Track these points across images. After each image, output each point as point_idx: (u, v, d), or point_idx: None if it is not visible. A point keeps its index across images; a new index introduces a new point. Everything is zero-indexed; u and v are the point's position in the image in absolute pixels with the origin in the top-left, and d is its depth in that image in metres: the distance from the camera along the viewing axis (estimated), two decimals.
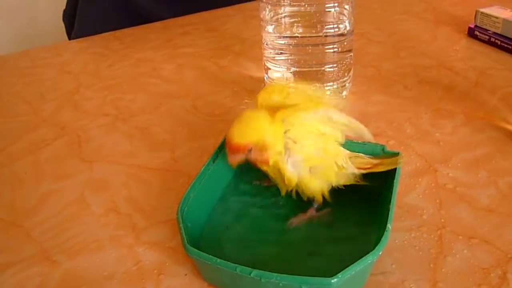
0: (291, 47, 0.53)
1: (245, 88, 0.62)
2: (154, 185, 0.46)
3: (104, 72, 0.70)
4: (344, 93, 0.55)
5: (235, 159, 0.36)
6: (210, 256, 0.32)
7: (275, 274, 0.30)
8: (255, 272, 0.30)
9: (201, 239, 0.37)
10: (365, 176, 0.39)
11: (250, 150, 0.35)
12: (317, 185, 0.37)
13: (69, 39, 0.92)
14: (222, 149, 0.41)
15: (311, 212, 0.39)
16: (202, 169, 0.40)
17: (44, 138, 0.55)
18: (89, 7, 0.87)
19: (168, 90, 0.64)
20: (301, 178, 0.37)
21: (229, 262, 0.31)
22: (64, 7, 0.93)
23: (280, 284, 0.30)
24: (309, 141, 0.37)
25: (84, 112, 0.60)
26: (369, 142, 0.41)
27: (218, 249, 0.36)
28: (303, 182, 0.37)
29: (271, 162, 0.36)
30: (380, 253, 0.31)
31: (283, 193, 0.39)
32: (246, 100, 0.59)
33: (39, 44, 0.87)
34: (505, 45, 0.66)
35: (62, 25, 0.95)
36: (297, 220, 0.39)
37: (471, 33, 0.72)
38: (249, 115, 0.37)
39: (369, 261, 0.30)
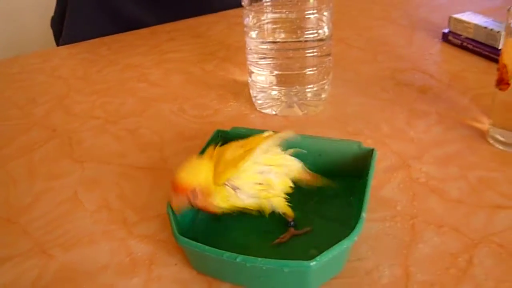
0: (273, 51, 0.55)
1: (230, 91, 0.64)
2: (144, 183, 0.48)
3: (93, 77, 0.72)
4: (323, 95, 0.58)
5: (179, 200, 0.37)
6: (199, 244, 0.34)
7: (259, 259, 0.32)
8: (240, 257, 0.33)
9: (190, 231, 0.39)
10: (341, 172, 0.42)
11: (194, 194, 0.37)
12: (277, 203, 0.39)
13: (57, 45, 0.93)
14: (210, 145, 0.43)
15: (291, 231, 0.40)
16: None
17: (36, 140, 0.56)
18: (77, 14, 0.89)
19: (156, 94, 0.66)
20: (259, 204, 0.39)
21: (216, 249, 0.33)
22: (52, 14, 0.95)
23: (264, 268, 0.32)
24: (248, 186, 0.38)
25: (74, 115, 0.62)
26: (344, 139, 0.44)
27: (206, 240, 0.38)
28: (262, 207, 0.39)
29: (214, 209, 0.38)
30: (356, 238, 0.34)
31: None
32: (231, 103, 0.61)
33: (27, 50, 0.88)
34: (477, 49, 0.70)
35: (51, 31, 0.96)
36: (279, 241, 0.39)
37: (445, 38, 0.75)
38: (196, 162, 0.38)
39: (345, 246, 0.33)
